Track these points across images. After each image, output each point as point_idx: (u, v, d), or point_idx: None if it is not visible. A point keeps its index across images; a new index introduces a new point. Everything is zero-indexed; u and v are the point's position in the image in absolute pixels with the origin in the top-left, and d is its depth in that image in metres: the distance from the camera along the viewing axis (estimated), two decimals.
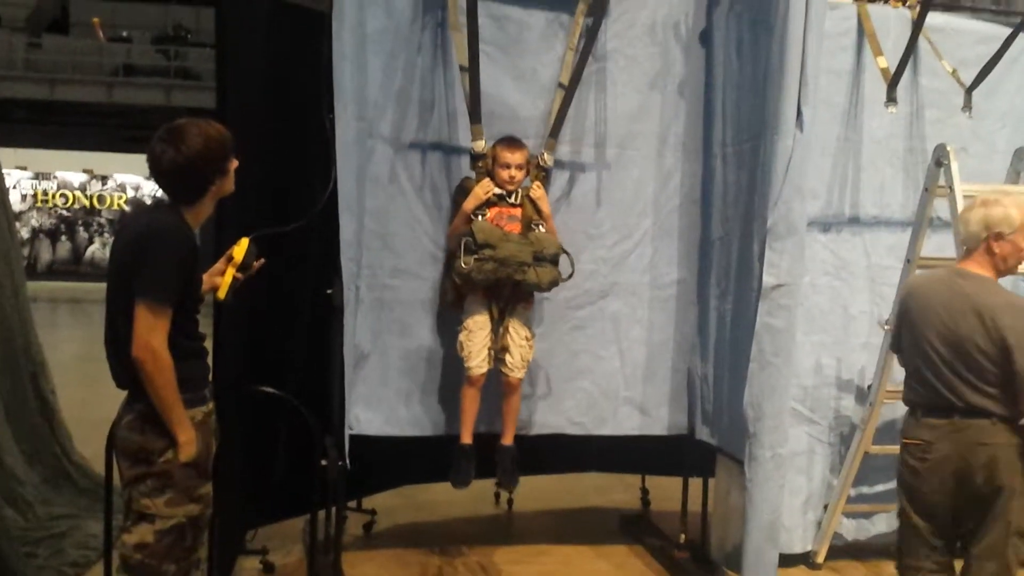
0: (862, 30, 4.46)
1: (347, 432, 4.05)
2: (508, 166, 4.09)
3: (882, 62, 4.35)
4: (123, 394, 2.83)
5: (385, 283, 4.26)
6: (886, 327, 4.06)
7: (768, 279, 3.88)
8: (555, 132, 4.23)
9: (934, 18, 4.52)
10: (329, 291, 3.98)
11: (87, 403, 5.86)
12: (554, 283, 4.08)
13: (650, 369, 4.57)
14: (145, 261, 2.66)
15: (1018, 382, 3.03)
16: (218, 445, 2.94)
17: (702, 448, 4.53)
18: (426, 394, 4.36)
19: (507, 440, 4.24)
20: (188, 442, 2.71)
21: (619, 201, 4.49)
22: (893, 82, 4.31)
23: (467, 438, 4.16)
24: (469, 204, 4.07)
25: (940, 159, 4.00)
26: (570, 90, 4.22)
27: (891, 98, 4.31)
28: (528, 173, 4.16)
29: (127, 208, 25.53)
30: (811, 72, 3.83)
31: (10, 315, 5.03)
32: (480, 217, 4.06)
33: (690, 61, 4.50)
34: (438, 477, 4.99)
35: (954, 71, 4.49)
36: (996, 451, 3.08)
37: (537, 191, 4.15)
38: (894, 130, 4.57)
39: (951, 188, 3.92)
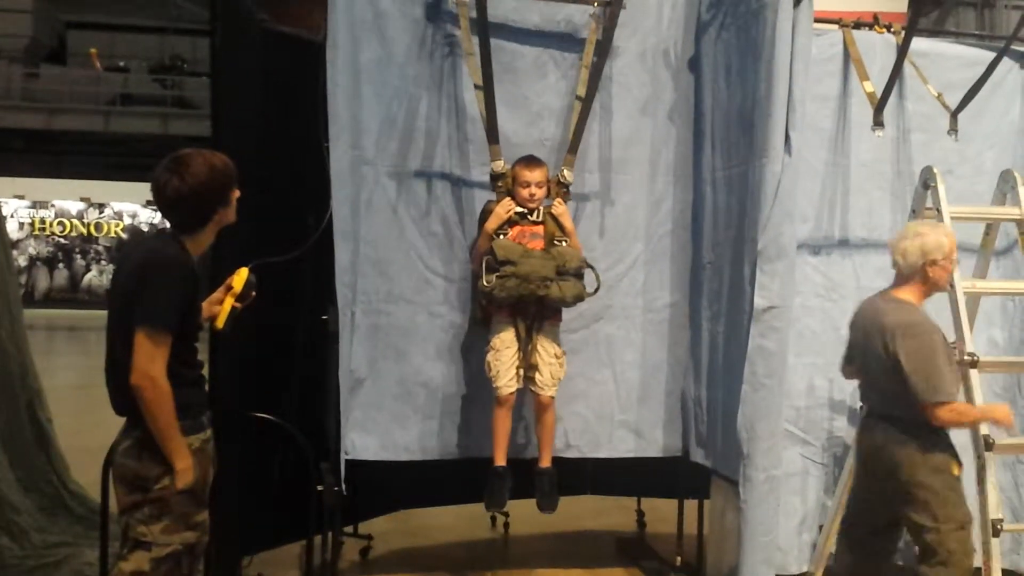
0: (848, 56, 4.51)
1: (343, 457, 4.07)
2: (528, 184, 4.11)
3: (868, 87, 4.41)
4: (120, 422, 2.85)
5: (380, 309, 4.29)
6: None
7: (759, 301, 3.92)
8: (574, 148, 4.25)
9: (919, 43, 4.58)
10: (324, 317, 4.01)
11: (84, 430, 5.87)
12: (579, 298, 4.08)
13: (644, 392, 4.60)
14: (145, 289, 2.69)
15: (910, 388, 3.43)
16: (215, 472, 2.96)
17: (697, 470, 4.55)
18: (421, 419, 4.37)
19: (545, 462, 4.21)
20: (185, 469, 2.73)
21: (611, 226, 4.54)
22: (879, 106, 4.36)
23: (501, 460, 4.12)
24: (491, 224, 4.08)
25: (927, 181, 4.05)
26: (587, 102, 4.25)
27: (878, 122, 4.36)
28: (549, 191, 4.19)
29: (124, 236, 25.55)
30: (798, 97, 3.89)
31: (7, 343, 5.05)
32: (502, 236, 4.08)
33: (679, 87, 4.57)
34: (435, 501, 5.04)
35: (940, 95, 4.54)
36: (898, 450, 3.51)
37: (559, 207, 4.17)
38: (881, 153, 4.61)
39: (938, 210, 3.97)
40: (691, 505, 4.77)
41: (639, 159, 4.56)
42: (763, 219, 3.89)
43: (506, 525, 5.47)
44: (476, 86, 4.13)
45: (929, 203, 4.04)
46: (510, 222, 4.11)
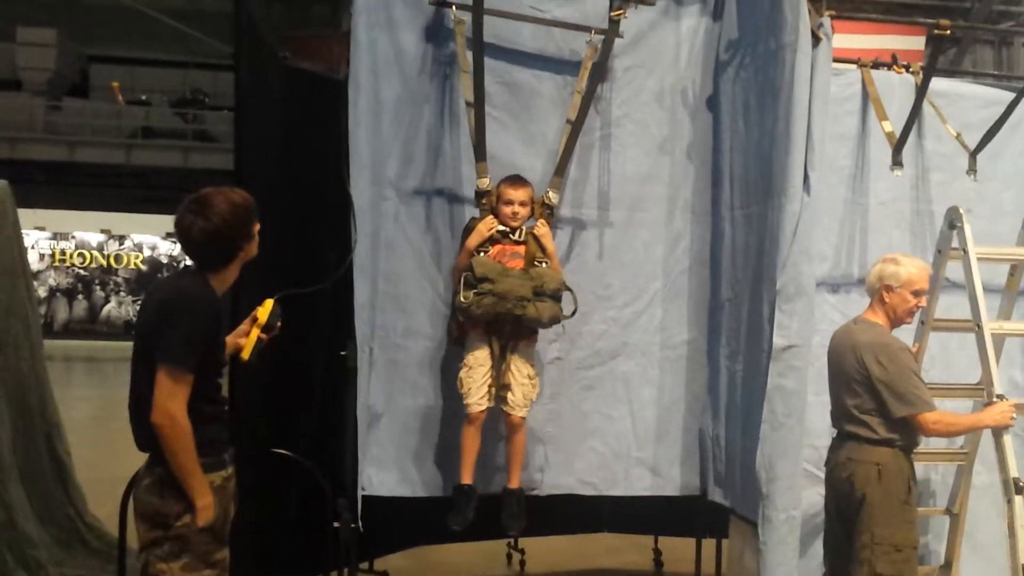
0: (867, 95, 4.53)
1: (360, 493, 4.06)
2: (511, 202, 4.10)
3: (887, 126, 4.42)
4: (137, 454, 2.86)
5: (397, 344, 4.30)
6: None
7: (779, 340, 3.90)
8: (560, 170, 4.25)
9: (937, 83, 4.59)
10: (343, 353, 4.02)
11: (100, 462, 5.89)
12: (555, 319, 4.05)
13: (661, 429, 4.57)
14: (168, 327, 2.71)
15: (888, 406, 3.58)
16: (236, 509, 2.96)
17: (715, 509, 4.50)
18: (438, 454, 4.36)
19: (513, 483, 4.16)
20: (206, 507, 2.74)
21: (629, 263, 4.55)
22: (898, 146, 4.37)
23: (467, 478, 4.08)
24: (472, 241, 4.08)
25: (953, 221, 4.03)
26: (576, 126, 4.25)
27: (897, 161, 4.36)
28: (533, 212, 4.18)
29: (144, 268, 25.78)
30: (817, 136, 3.89)
31: (27, 375, 5.09)
32: (483, 254, 4.07)
33: (698, 126, 4.58)
34: (450, 537, 4.98)
35: (958, 135, 4.54)
36: (855, 467, 3.65)
37: (541, 228, 4.16)
38: (900, 193, 4.61)
39: (965, 250, 3.95)
40: (709, 544, 4.72)
41: (657, 196, 4.57)
42: (782, 258, 3.89)
43: (522, 563, 5.42)
44: (467, 103, 4.13)
45: (955, 243, 4.02)
46: (492, 240, 4.10)
